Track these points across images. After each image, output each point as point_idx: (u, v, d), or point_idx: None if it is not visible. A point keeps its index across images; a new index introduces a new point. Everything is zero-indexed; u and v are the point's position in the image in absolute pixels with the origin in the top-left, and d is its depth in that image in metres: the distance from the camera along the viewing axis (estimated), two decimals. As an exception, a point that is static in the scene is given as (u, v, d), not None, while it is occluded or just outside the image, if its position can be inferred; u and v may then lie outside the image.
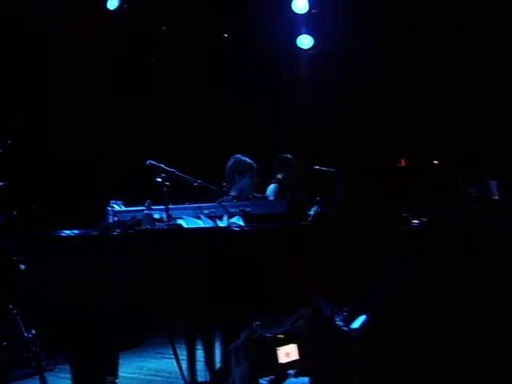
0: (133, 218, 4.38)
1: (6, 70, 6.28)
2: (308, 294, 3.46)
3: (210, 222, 4.05)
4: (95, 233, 3.53)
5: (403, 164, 7.91)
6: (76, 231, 3.45)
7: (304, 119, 7.23)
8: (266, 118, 7.44)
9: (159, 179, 4.30)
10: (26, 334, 4.96)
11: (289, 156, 6.41)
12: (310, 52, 7.18)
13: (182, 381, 4.22)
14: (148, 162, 4.36)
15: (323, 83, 7.21)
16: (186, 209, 4.42)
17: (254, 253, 3.56)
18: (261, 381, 3.25)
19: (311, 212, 4.81)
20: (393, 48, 7.16)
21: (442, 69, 7.23)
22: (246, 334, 1.35)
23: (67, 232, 3.44)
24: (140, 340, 3.52)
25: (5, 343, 5.10)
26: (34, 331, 4.97)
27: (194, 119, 7.29)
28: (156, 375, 5.27)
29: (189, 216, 4.18)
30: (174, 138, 7.15)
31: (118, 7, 6.71)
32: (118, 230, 3.53)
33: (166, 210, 4.25)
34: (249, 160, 5.09)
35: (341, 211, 5.19)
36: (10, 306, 5.05)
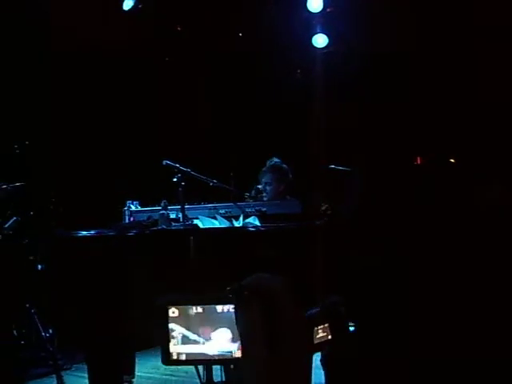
0: (149, 217, 4.40)
1: (23, 71, 6.32)
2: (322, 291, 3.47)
3: (226, 222, 4.06)
4: (112, 233, 3.55)
5: (419, 162, 7.87)
6: (93, 231, 3.49)
7: (318, 118, 7.21)
8: (280, 117, 7.43)
9: (175, 179, 4.32)
10: (43, 333, 4.99)
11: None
12: (325, 51, 7.17)
13: (198, 380, 4.23)
14: (164, 162, 4.39)
15: (338, 82, 7.18)
16: (201, 209, 4.44)
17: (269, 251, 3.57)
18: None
19: None
20: (406, 47, 7.12)
21: (456, 67, 7.18)
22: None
23: (84, 232, 3.48)
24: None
25: (22, 342, 5.14)
26: (51, 330, 5.01)
27: (211, 119, 7.31)
28: (172, 375, 5.28)
29: (205, 216, 4.20)
30: (191, 138, 7.16)
31: (132, 7, 6.74)
32: (133, 231, 3.55)
33: (182, 210, 4.27)
34: (269, 162, 5.15)
35: (355, 210, 5.18)
36: (28, 305, 5.08)
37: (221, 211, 4.35)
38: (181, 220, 4.29)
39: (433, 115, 7.37)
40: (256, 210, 4.29)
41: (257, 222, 4.06)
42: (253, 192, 4.97)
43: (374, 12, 6.75)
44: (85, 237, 3.44)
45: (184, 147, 6.32)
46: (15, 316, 5.13)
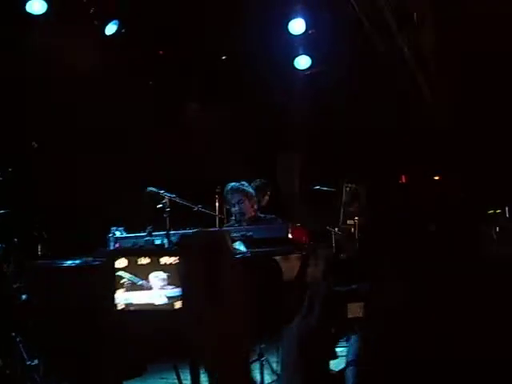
0: (134, 244, 4.38)
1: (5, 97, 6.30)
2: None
3: (212, 247, 4.04)
4: (96, 263, 3.52)
5: (403, 181, 7.92)
6: (77, 261, 3.46)
7: (303, 138, 7.25)
8: (264, 138, 7.45)
9: (160, 205, 4.32)
10: (28, 362, 4.93)
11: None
12: (308, 72, 7.22)
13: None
14: (148, 189, 4.38)
15: (322, 103, 7.23)
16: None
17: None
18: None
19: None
20: (391, 65, 7.19)
21: (443, 84, 7.25)
22: (322, 285, 1.39)
23: (69, 262, 3.45)
24: (143, 369, 3.51)
25: (7, 371, 5.07)
26: (36, 360, 4.95)
27: (193, 142, 7.32)
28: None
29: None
30: (176, 164, 7.16)
31: (115, 32, 6.76)
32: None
33: (167, 236, 4.26)
34: (230, 186, 5.19)
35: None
36: (13, 334, 5.02)
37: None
38: (166, 246, 4.28)
39: (418, 133, 7.42)
40: (242, 234, 4.28)
41: (242, 248, 4.04)
42: (238, 216, 4.98)
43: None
44: (68, 268, 3.40)
45: (169, 172, 6.33)
46: (0, 345, 5.06)
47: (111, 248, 4.59)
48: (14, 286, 5.12)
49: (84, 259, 3.73)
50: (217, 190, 5.46)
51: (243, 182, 5.34)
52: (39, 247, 5.58)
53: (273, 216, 5.29)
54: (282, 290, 3.35)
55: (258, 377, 4.64)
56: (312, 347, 1.43)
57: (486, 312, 1.16)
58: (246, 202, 5.17)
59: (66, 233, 6.19)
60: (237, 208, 5.11)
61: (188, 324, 1.07)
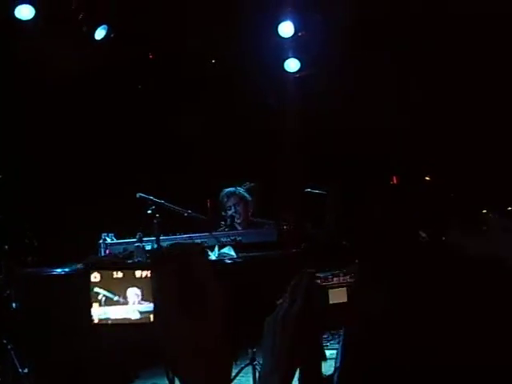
0: (124, 250, 4.40)
1: None
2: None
3: (201, 253, 4.05)
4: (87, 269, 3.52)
5: (395, 182, 7.93)
6: (67, 269, 3.46)
7: (293, 142, 7.26)
8: (254, 142, 7.44)
9: (149, 211, 4.33)
10: (20, 370, 4.91)
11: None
12: (297, 75, 7.23)
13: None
14: (138, 195, 4.39)
15: (312, 105, 7.23)
16: (176, 240, 4.43)
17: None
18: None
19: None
20: (381, 66, 7.19)
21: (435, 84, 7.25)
22: (301, 274, 1.38)
23: (58, 270, 3.45)
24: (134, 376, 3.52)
25: (-1, 379, 5.05)
26: (26, 369, 4.93)
27: (185, 147, 7.30)
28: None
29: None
30: (166, 169, 7.16)
31: (105, 37, 6.75)
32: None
33: (157, 242, 4.27)
34: (226, 190, 5.22)
35: (330, 233, 5.20)
36: (4, 341, 5.00)
37: (196, 242, 4.35)
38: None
39: (410, 133, 7.43)
40: (231, 239, 4.29)
41: (232, 252, 4.06)
42: (228, 220, 4.99)
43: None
44: (57, 275, 3.40)
45: (159, 177, 6.32)
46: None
47: (102, 254, 4.61)
48: (4, 293, 5.10)
49: (74, 266, 3.73)
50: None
51: (238, 188, 5.37)
52: (29, 255, 5.56)
53: (267, 220, 5.27)
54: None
55: (250, 381, 4.64)
56: (297, 344, 1.41)
57: (472, 316, 1.16)
58: (242, 205, 5.19)
59: (56, 240, 6.18)
60: (233, 210, 5.11)
61: (160, 338, 1.07)
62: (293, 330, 1.38)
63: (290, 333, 1.38)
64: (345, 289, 1.55)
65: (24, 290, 3.74)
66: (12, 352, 4.95)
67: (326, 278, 1.55)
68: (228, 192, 5.26)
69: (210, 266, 1.11)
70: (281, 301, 1.44)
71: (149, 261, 3.18)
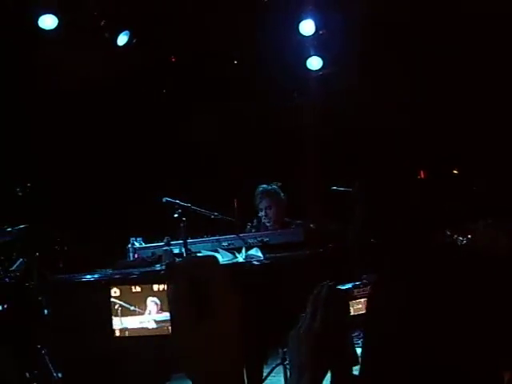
0: (153, 254, 4.43)
1: (19, 112, 6.37)
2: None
3: (229, 254, 4.06)
4: (116, 276, 3.56)
5: (422, 176, 7.85)
6: (96, 275, 3.50)
7: (314, 140, 7.24)
8: (278, 141, 7.44)
9: (176, 215, 4.35)
10: (54, 375, 4.98)
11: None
12: (320, 73, 7.21)
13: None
14: (164, 200, 4.42)
15: (334, 104, 7.20)
16: (204, 242, 4.45)
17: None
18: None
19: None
20: (401, 64, 7.14)
21: (455, 80, 7.18)
22: (324, 287, 1.39)
23: (88, 276, 3.49)
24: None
25: (34, 383, 5.11)
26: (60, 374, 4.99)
27: (209, 148, 7.33)
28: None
29: (207, 249, 4.21)
30: (191, 172, 7.19)
31: (127, 42, 6.80)
32: (136, 272, 3.57)
33: (185, 245, 4.29)
34: (261, 188, 5.18)
35: (358, 233, 5.17)
36: (39, 346, 5.07)
37: (223, 244, 4.36)
38: (184, 255, 4.31)
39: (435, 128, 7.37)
40: (258, 240, 4.30)
41: (259, 254, 4.06)
42: (255, 221, 4.99)
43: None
44: (88, 281, 3.45)
45: (185, 180, 6.36)
46: (27, 357, 5.11)
47: (131, 258, 4.65)
48: (39, 298, 5.18)
49: (103, 273, 3.78)
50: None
51: (274, 186, 5.28)
52: (60, 261, 5.64)
53: (294, 220, 5.22)
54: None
55: (281, 380, 4.64)
56: (324, 355, 1.42)
57: (492, 315, 1.15)
58: (274, 208, 5.11)
59: (86, 245, 6.25)
60: (263, 213, 5.08)
61: (177, 348, 1.10)
62: (314, 345, 1.40)
63: (311, 348, 1.40)
64: (363, 300, 1.55)
65: (55, 295, 3.80)
66: (46, 357, 5.03)
67: (346, 292, 1.55)
68: (262, 191, 5.18)
69: (225, 276, 1.13)
70: (303, 314, 1.45)
71: (164, 273, 3.26)
